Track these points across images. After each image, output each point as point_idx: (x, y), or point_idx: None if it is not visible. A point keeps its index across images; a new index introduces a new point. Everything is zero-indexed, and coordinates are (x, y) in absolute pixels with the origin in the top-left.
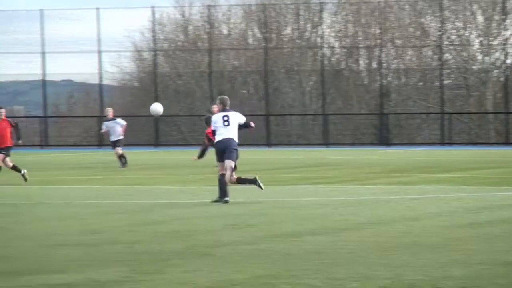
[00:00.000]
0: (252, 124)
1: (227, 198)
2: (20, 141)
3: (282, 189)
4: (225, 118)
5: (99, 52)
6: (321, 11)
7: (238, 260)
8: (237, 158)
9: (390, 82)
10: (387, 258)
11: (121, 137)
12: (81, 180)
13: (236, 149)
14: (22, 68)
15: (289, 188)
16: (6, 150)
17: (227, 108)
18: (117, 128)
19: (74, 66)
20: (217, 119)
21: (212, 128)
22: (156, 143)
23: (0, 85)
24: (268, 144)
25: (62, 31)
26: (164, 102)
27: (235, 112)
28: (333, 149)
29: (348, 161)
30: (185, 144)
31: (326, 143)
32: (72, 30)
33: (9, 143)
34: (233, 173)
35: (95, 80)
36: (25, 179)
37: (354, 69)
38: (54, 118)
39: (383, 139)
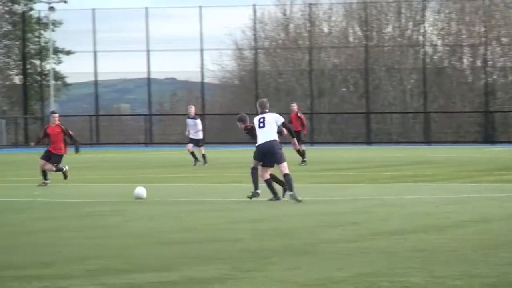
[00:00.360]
0: (285, 131)
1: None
2: (77, 150)
3: (383, 187)
4: (261, 120)
5: (201, 50)
6: (423, 9)
7: (338, 258)
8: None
9: (496, 80)
10: (491, 256)
11: (201, 137)
12: (182, 178)
13: (280, 149)
14: (129, 66)
15: (390, 186)
16: (57, 158)
17: (266, 110)
18: (196, 126)
19: (177, 64)
20: (254, 121)
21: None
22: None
23: (109, 83)
24: (368, 142)
25: (165, 29)
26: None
27: (272, 113)
28: (435, 147)
29: (450, 159)
30: (285, 142)
31: (427, 141)
32: (175, 28)
33: (62, 151)
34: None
35: (197, 78)
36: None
37: (457, 67)
38: (158, 116)
39: (488, 137)
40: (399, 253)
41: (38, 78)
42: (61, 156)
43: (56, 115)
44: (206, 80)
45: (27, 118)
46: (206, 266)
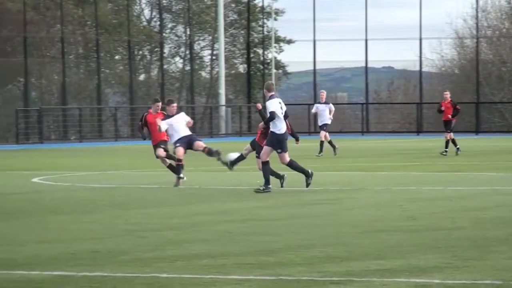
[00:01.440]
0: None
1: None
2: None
3: None
4: (281, 107)
5: (420, 39)
6: None
7: None
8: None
9: None
10: None
11: (329, 122)
12: (399, 167)
13: None
14: (346, 55)
15: None
16: (164, 144)
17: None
18: (326, 112)
19: (395, 53)
20: (274, 106)
21: (270, 114)
22: (477, 130)
23: (326, 72)
24: None
25: (384, 18)
26: (485, 89)
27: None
28: None
29: None
30: (508, 131)
31: None
32: (393, 17)
33: (164, 136)
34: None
35: (415, 67)
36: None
37: None
38: (375, 104)
39: None
40: None
41: (261, 67)
42: (165, 141)
43: (160, 103)
44: (424, 69)
45: (250, 106)
46: (425, 254)
